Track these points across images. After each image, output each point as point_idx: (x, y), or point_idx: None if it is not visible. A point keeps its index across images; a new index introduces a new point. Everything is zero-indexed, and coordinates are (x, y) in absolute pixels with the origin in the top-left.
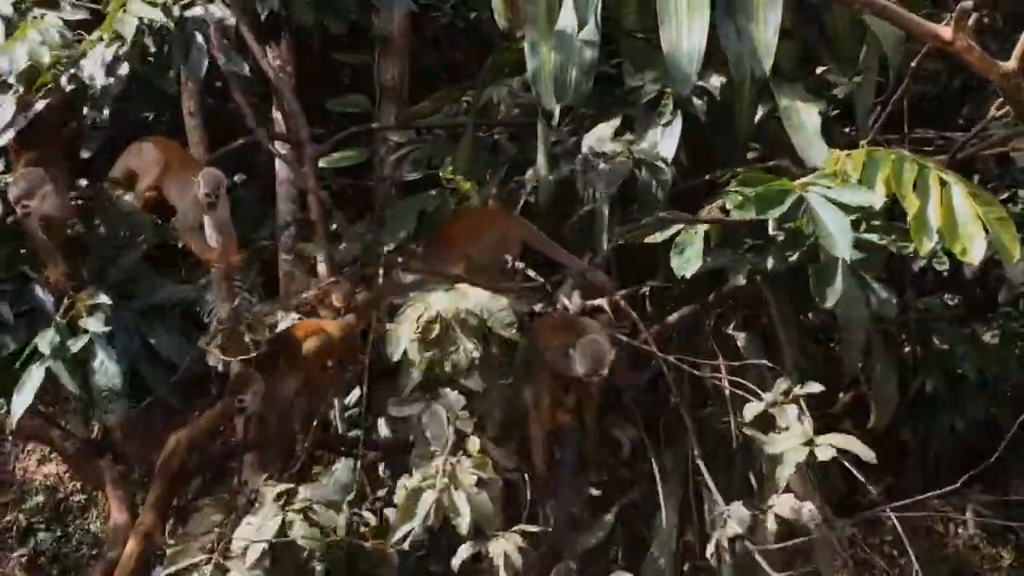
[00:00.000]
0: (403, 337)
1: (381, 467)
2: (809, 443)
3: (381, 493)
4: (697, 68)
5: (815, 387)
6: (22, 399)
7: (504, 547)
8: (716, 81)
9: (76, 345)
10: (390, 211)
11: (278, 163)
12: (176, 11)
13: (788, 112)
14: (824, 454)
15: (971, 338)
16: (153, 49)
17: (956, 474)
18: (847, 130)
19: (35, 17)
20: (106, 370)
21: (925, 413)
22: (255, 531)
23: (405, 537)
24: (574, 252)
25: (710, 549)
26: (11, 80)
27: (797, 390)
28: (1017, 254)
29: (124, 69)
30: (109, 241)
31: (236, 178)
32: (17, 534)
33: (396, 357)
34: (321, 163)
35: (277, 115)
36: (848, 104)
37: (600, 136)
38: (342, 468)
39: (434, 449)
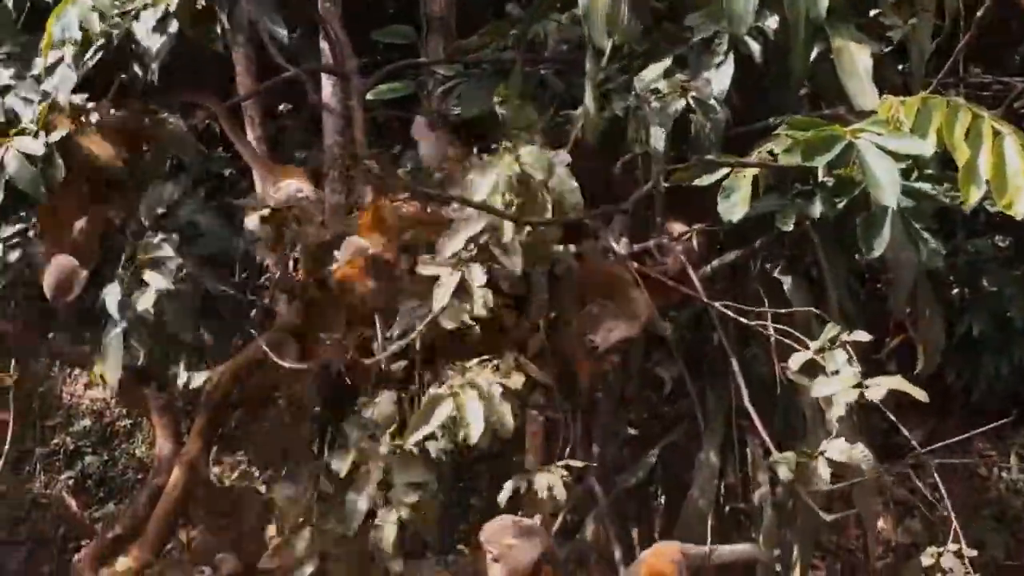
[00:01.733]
0: (486, 181)
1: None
2: (859, 385)
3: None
4: (754, 7)
5: (863, 335)
6: (111, 369)
7: (548, 480)
8: (772, 22)
9: (145, 302)
10: None
11: (325, 93)
12: None
13: (840, 54)
14: (875, 395)
15: (1020, 280)
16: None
17: (1000, 418)
18: (901, 72)
19: None
20: (178, 323)
21: (970, 356)
22: None
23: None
24: (624, 192)
25: (757, 494)
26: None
27: (845, 336)
28: None
29: (173, 27)
30: (157, 168)
31: (282, 107)
32: (64, 457)
33: (480, 196)
34: (368, 95)
35: (324, 45)
36: (903, 47)
37: (652, 75)
38: (384, 399)
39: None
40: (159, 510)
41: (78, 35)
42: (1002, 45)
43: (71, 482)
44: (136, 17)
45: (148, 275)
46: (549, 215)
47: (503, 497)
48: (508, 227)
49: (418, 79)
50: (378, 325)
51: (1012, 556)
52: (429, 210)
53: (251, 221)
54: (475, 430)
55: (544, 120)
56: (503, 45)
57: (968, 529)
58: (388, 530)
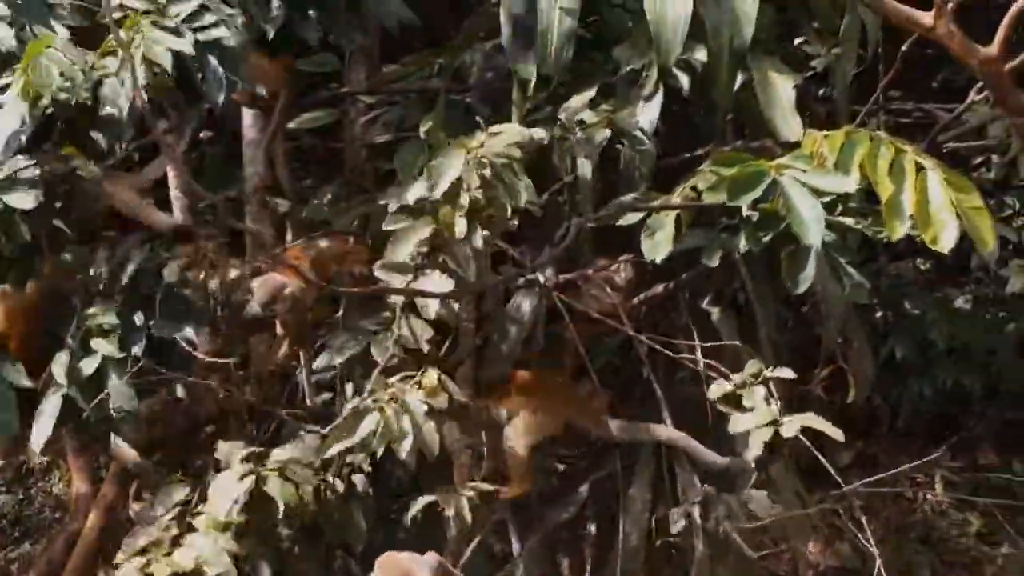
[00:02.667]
0: (452, 166)
1: None
2: (774, 423)
3: (350, 459)
4: (682, 39)
5: (786, 372)
6: (42, 429)
7: (455, 502)
8: (700, 54)
9: (89, 367)
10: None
11: (245, 123)
12: (189, 36)
13: (763, 85)
14: (789, 431)
15: (942, 304)
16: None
17: (924, 440)
18: (823, 99)
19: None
20: (121, 393)
21: (895, 379)
22: (224, 491)
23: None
24: (552, 224)
25: (676, 528)
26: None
27: (767, 372)
28: (991, 244)
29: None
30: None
31: (202, 135)
32: None
33: (441, 188)
34: (290, 124)
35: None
36: (824, 72)
37: (577, 104)
38: (310, 436)
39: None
40: (76, 555)
41: (58, 83)
42: (920, 72)
43: None
44: (100, 83)
45: (96, 342)
46: (520, 204)
47: (409, 516)
48: (461, 225)
49: (341, 107)
50: (302, 359)
51: None
52: (351, 243)
53: (170, 271)
54: (405, 444)
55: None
56: (428, 73)
57: (895, 551)
58: None
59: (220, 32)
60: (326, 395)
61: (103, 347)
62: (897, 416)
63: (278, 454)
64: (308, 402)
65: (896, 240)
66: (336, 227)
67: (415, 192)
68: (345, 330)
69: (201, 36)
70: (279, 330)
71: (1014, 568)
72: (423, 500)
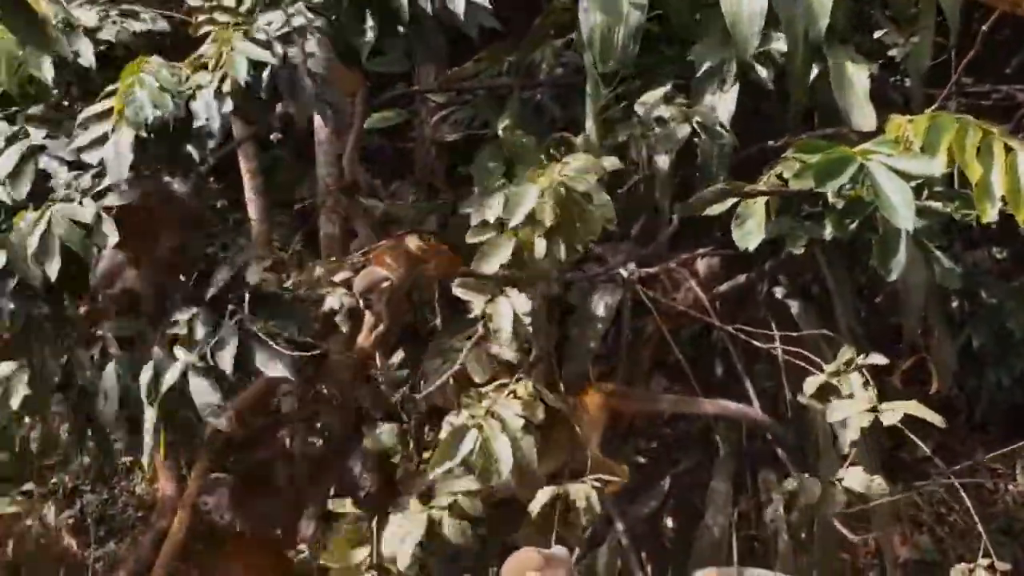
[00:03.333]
0: (528, 197)
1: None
2: (873, 409)
3: (427, 455)
4: (758, 32)
5: (878, 358)
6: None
7: (584, 491)
8: (780, 44)
9: (172, 377)
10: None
11: (317, 123)
12: (279, 48)
13: (837, 74)
14: (890, 419)
15: (1020, 293)
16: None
17: (1003, 430)
18: (897, 86)
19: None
20: (202, 390)
21: (972, 369)
22: (403, 533)
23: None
24: (628, 219)
25: (769, 515)
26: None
27: (860, 360)
28: None
29: (228, 107)
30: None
31: (273, 137)
32: (63, 496)
33: (516, 221)
34: None
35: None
36: (901, 63)
37: (652, 100)
38: (386, 431)
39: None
40: (164, 554)
41: (152, 116)
42: (996, 55)
43: (70, 521)
44: (193, 96)
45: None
46: (596, 233)
47: (534, 507)
48: (541, 246)
49: (411, 107)
50: (379, 357)
51: (1021, 568)
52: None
53: (253, 274)
54: (504, 467)
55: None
56: (498, 71)
57: (977, 543)
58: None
59: (310, 47)
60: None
61: (184, 356)
62: (974, 406)
63: (445, 487)
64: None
65: (970, 228)
66: (411, 227)
67: (493, 212)
68: (436, 352)
69: (291, 50)
70: (368, 321)
71: None
72: (549, 491)
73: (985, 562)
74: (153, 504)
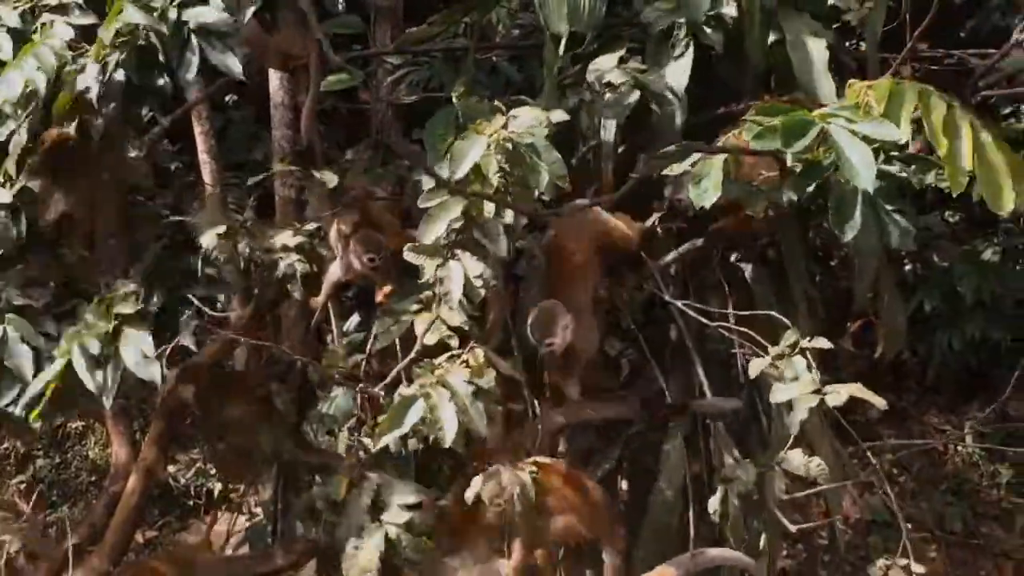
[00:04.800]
0: (473, 149)
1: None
2: (818, 391)
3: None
4: None
5: (822, 342)
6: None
7: (519, 478)
8: (730, 9)
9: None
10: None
11: (272, 86)
12: (173, 13)
13: (795, 45)
14: (834, 401)
15: (971, 256)
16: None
17: (953, 393)
18: (851, 51)
19: (43, 24)
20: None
21: (924, 332)
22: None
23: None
24: (581, 185)
25: (713, 505)
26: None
27: (804, 343)
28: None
29: (119, 75)
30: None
31: (228, 99)
32: (16, 461)
33: (461, 173)
34: None
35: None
36: (855, 28)
37: (605, 65)
38: (341, 395)
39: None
40: (117, 518)
41: (16, 94)
42: (950, 19)
43: (22, 486)
44: (82, 70)
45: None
46: (542, 187)
47: (470, 495)
48: (489, 207)
49: (366, 69)
50: (333, 322)
51: (970, 529)
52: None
53: (207, 239)
54: (449, 433)
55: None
56: (454, 32)
57: (927, 504)
58: (364, 555)
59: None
60: (358, 356)
61: (123, 307)
62: (926, 369)
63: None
64: (340, 363)
65: (923, 192)
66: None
67: (443, 172)
68: (386, 314)
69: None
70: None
71: None
72: (484, 478)
73: (903, 562)
74: (107, 469)
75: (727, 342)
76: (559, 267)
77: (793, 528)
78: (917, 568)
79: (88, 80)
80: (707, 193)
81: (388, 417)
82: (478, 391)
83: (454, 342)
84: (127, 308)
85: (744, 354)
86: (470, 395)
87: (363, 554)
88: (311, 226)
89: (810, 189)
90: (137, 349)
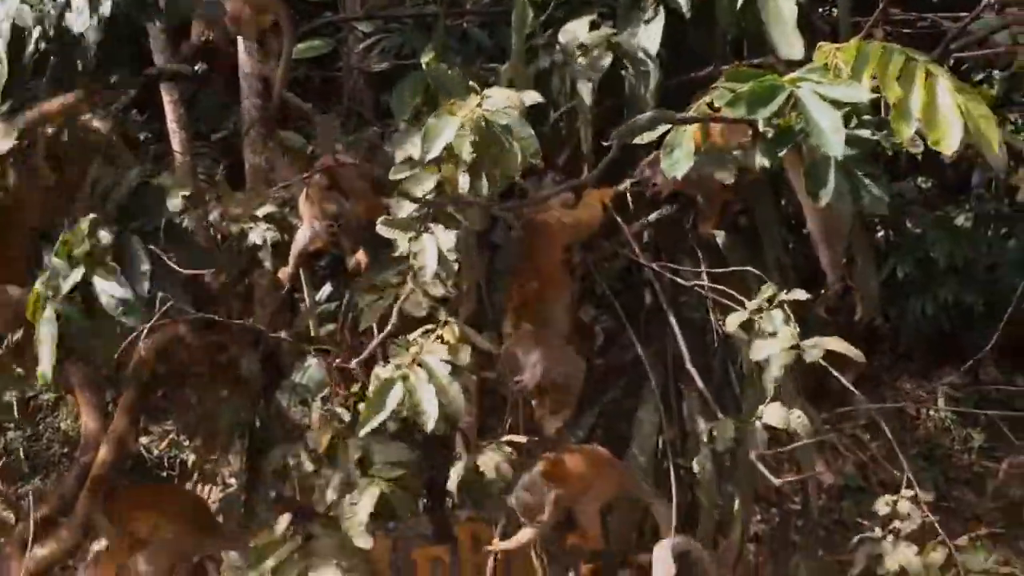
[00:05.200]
0: (446, 130)
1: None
2: (795, 347)
3: (355, 388)
4: None
5: (800, 293)
6: (45, 358)
7: (494, 459)
8: None
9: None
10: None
11: (241, 54)
12: None
13: (765, 4)
14: (812, 356)
15: (943, 222)
16: None
17: (927, 357)
18: (824, 15)
19: None
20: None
21: (897, 298)
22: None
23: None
24: (553, 151)
25: (696, 463)
26: None
27: (782, 296)
28: (996, 147)
29: (106, 9)
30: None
31: (197, 68)
32: None
33: (433, 154)
34: None
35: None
36: None
37: (576, 29)
38: (314, 366)
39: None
40: (87, 489)
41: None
42: None
43: None
44: (68, 5)
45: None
46: (516, 168)
47: (452, 484)
48: (464, 180)
49: (337, 36)
50: (305, 292)
51: (942, 493)
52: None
53: (173, 201)
54: (430, 418)
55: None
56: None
57: (900, 469)
58: (363, 508)
59: None
60: (330, 326)
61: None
62: (899, 334)
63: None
64: (312, 333)
65: (895, 159)
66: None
67: (415, 148)
68: (366, 289)
69: None
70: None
71: (1015, 481)
72: (465, 462)
73: (909, 493)
74: (79, 440)
75: (701, 308)
76: (534, 270)
77: (777, 481)
78: (925, 496)
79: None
80: (679, 163)
81: (368, 403)
82: (455, 369)
83: (443, 315)
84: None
85: (718, 318)
86: (448, 376)
87: (361, 507)
88: (281, 193)
89: (781, 154)
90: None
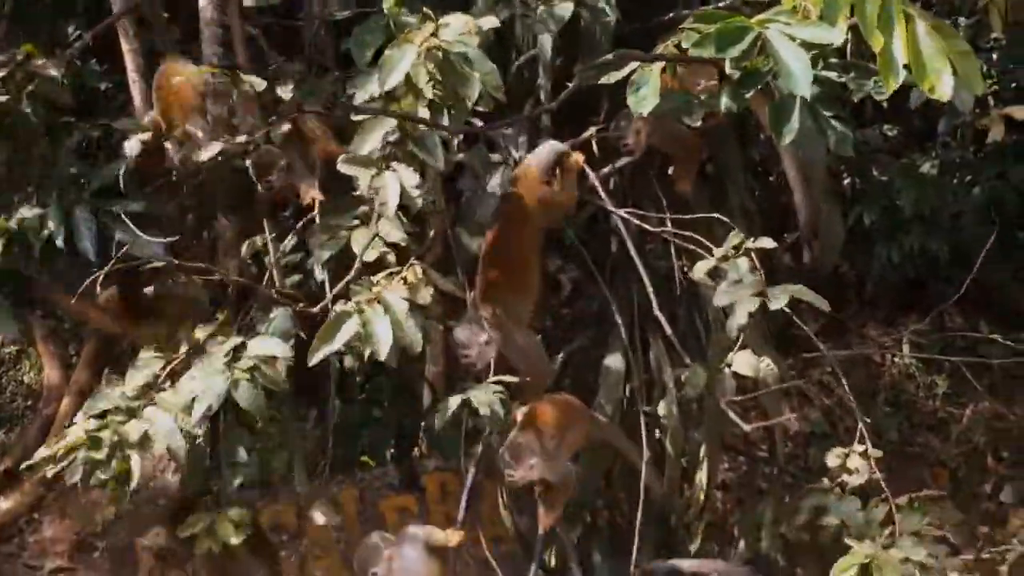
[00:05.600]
0: (403, 59)
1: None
2: (761, 294)
3: None
4: None
5: (766, 242)
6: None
7: (487, 398)
8: None
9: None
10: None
11: (201, 2)
12: None
13: None
14: (777, 304)
15: (909, 170)
16: None
17: (893, 305)
18: None
19: None
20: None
21: (863, 246)
22: (201, 388)
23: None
24: (516, 99)
25: (661, 410)
26: None
27: (748, 243)
28: (981, 87)
29: None
30: None
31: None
32: None
33: (392, 83)
34: (246, 2)
35: None
36: None
37: None
38: (280, 316)
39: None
40: (50, 440)
41: None
42: None
43: None
44: None
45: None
46: (474, 97)
47: (439, 423)
48: (424, 115)
49: None
50: (269, 243)
51: (906, 439)
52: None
53: (131, 146)
54: (383, 348)
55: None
56: None
57: (865, 415)
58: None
59: None
60: (296, 277)
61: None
62: (864, 282)
63: (255, 348)
64: (277, 284)
65: (861, 106)
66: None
67: (375, 87)
68: (322, 229)
69: None
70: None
71: (977, 427)
72: (452, 401)
73: (860, 448)
74: (41, 393)
75: (667, 257)
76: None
77: (746, 427)
78: (875, 453)
79: None
80: (646, 100)
81: (320, 333)
82: (414, 307)
83: (392, 258)
84: None
85: (684, 266)
86: (405, 311)
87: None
88: (242, 139)
89: (748, 96)
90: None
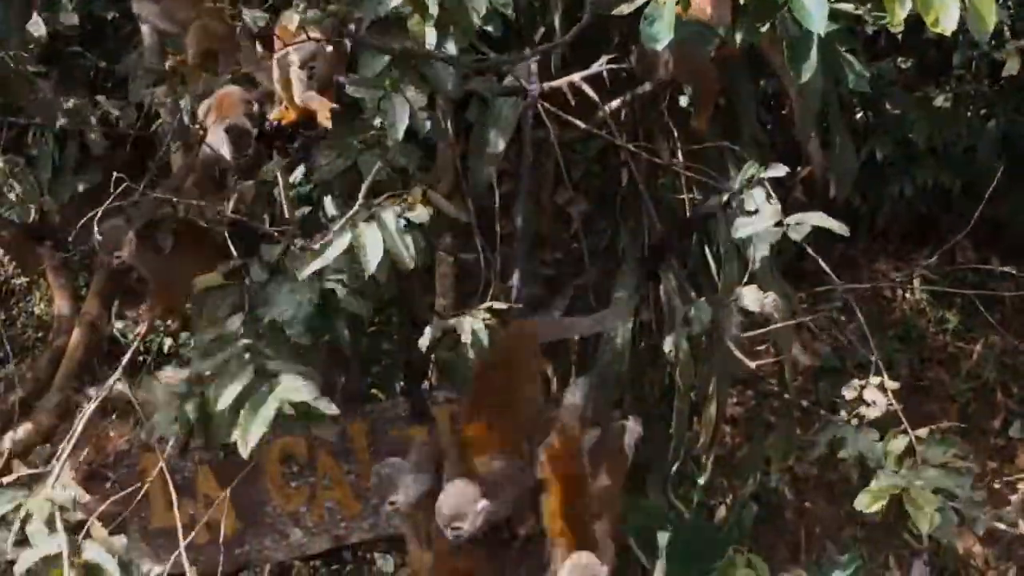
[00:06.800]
0: None
1: None
2: (780, 224)
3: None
4: None
5: (780, 169)
6: None
7: (471, 323)
8: None
9: None
10: None
11: None
12: None
13: None
14: (798, 233)
15: (923, 103)
16: None
17: (904, 240)
18: None
19: None
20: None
21: (875, 179)
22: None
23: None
24: (527, 35)
25: (668, 345)
26: None
27: (762, 173)
28: (992, 24)
29: None
30: None
31: None
32: None
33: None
34: None
35: None
36: None
37: None
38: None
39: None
40: (61, 372)
41: None
42: None
43: None
44: None
45: None
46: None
47: (424, 342)
48: (432, 36)
49: None
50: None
51: (916, 374)
52: None
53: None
54: (372, 260)
55: None
56: None
57: (875, 349)
58: None
59: None
60: (305, 209)
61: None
62: (876, 216)
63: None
64: (287, 216)
65: (875, 38)
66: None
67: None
68: (329, 148)
69: None
70: None
71: (988, 362)
72: (434, 325)
73: (876, 380)
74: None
75: (677, 189)
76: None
77: (752, 364)
78: (891, 384)
79: None
80: (660, 34)
81: (312, 252)
82: (409, 224)
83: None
84: None
85: (694, 198)
86: (400, 228)
87: None
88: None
89: (764, 29)
90: None
